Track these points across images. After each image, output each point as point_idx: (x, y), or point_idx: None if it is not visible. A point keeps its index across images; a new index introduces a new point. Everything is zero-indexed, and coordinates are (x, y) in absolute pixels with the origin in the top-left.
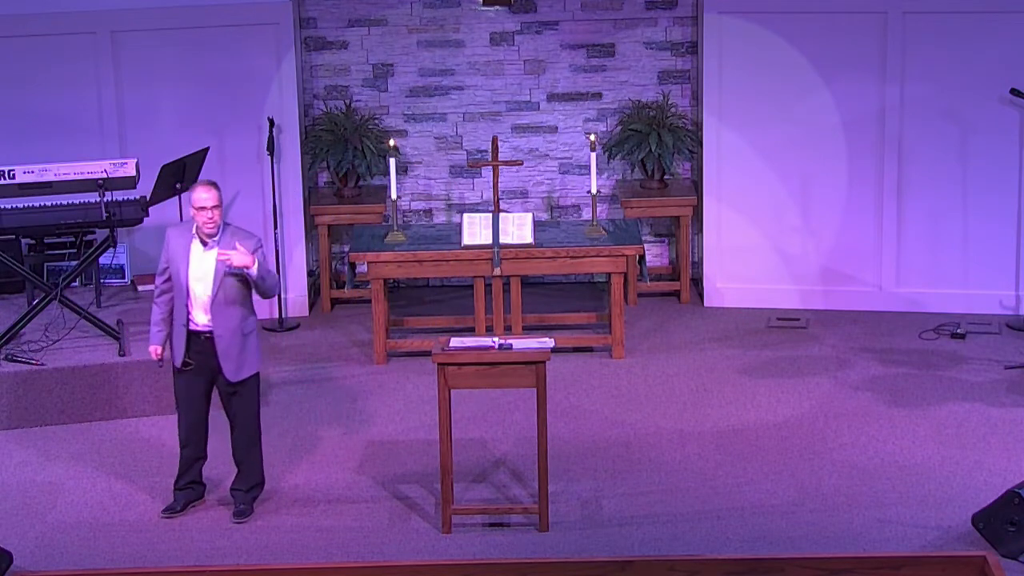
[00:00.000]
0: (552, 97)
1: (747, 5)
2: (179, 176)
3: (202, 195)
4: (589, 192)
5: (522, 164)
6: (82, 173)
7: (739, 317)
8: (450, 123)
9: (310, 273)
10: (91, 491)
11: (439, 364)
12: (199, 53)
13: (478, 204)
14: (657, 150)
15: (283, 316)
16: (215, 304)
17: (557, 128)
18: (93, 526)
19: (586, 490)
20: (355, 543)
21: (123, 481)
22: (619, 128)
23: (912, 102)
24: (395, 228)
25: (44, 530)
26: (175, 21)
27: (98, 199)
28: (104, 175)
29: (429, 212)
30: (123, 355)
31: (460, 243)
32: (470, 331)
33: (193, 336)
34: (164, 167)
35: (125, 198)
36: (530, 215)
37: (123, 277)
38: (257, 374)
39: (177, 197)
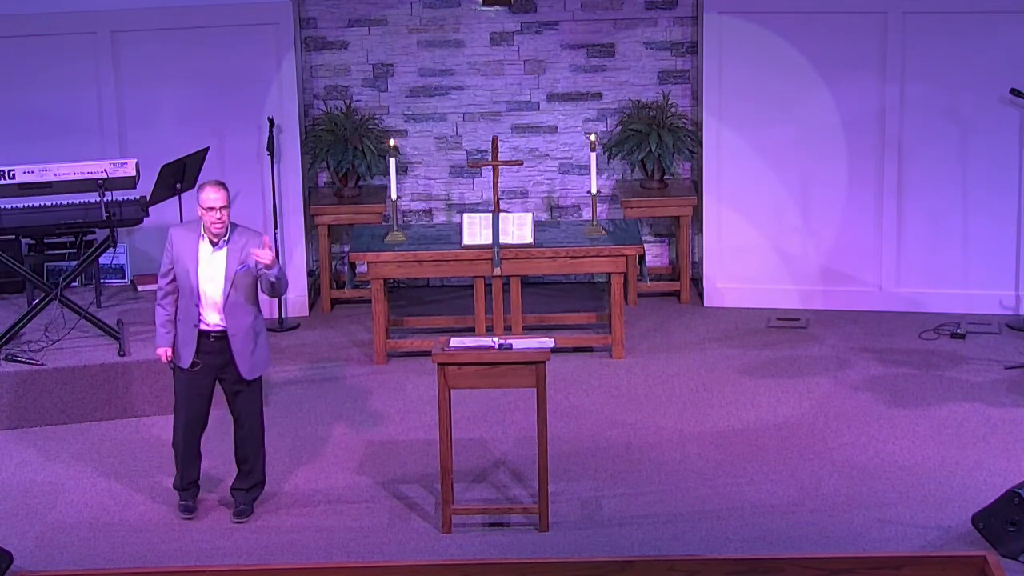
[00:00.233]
0: (552, 97)
1: (747, 5)
2: (179, 176)
3: (211, 195)
4: (589, 192)
5: (522, 164)
6: (82, 173)
7: (739, 317)
8: (450, 123)
9: (310, 273)
10: (91, 491)
11: (439, 364)
12: (199, 53)
13: (478, 204)
14: (657, 150)
15: (283, 316)
16: (228, 304)
17: (557, 128)
18: (93, 526)
19: (586, 490)
20: (355, 543)
21: (123, 481)
22: (619, 128)
23: (912, 102)
24: (395, 228)
25: (44, 530)
26: (175, 21)
27: (98, 199)
28: (104, 175)
29: (429, 212)
30: (123, 355)
31: (460, 243)
32: (470, 331)
33: (203, 336)
34: (164, 167)
35: (125, 198)
36: (530, 215)
37: (123, 277)
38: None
39: (177, 197)
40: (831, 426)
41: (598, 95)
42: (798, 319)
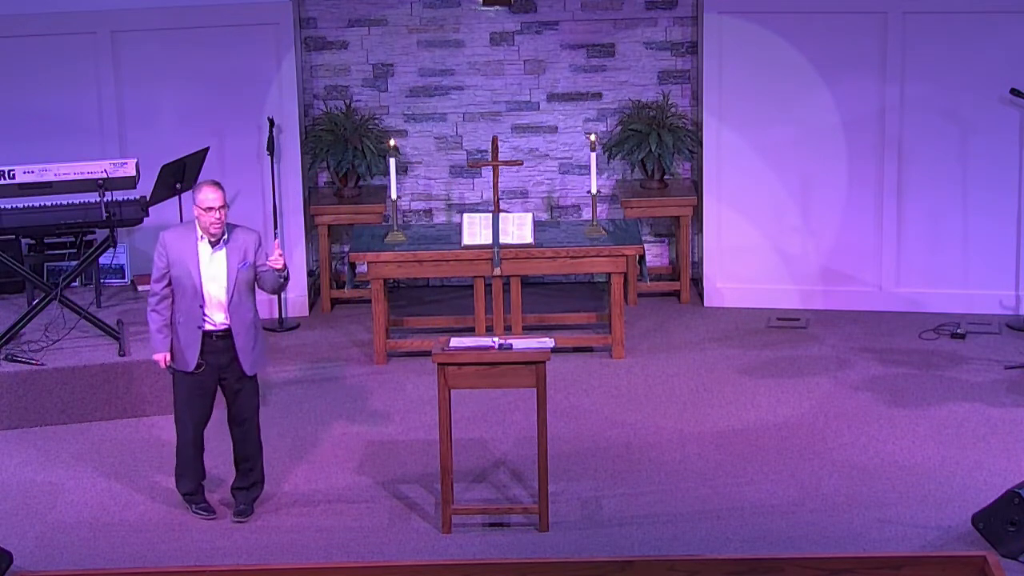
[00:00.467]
0: (552, 97)
1: (747, 5)
2: (179, 176)
3: (209, 195)
4: (589, 192)
5: (522, 164)
6: (82, 173)
7: (739, 317)
8: (450, 123)
9: (310, 273)
10: (91, 491)
11: (439, 364)
12: (199, 53)
13: (478, 204)
14: (657, 150)
15: (283, 316)
16: (232, 303)
17: (557, 128)
18: (93, 526)
19: (586, 490)
20: (355, 543)
21: (123, 481)
22: (619, 128)
23: (912, 102)
24: (395, 228)
25: (44, 530)
26: (175, 21)
27: (98, 199)
28: (104, 175)
29: (429, 212)
30: (123, 355)
31: (460, 243)
32: (470, 331)
33: (206, 337)
34: (164, 167)
35: (125, 198)
36: (530, 215)
37: (123, 277)
38: None
39: (177, 197)
40: (831, 426)
41: (598, 95)
42: (798, 319)
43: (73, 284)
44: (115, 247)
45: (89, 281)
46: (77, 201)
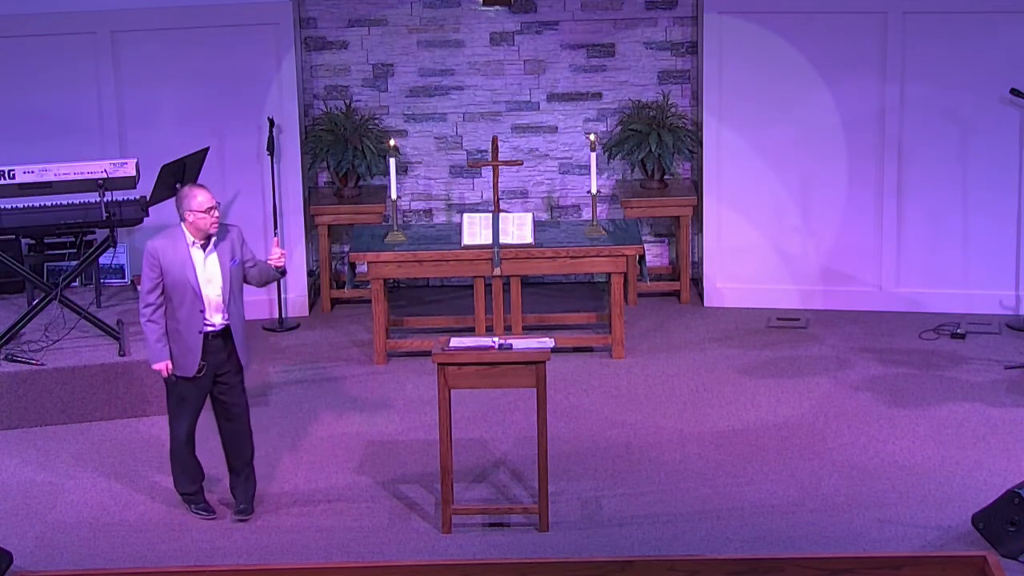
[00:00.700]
0: (552, 97)
1: (747, 5)
2: (179, 176)
3: (205, 197)
4: (589, 192)
5: (522, 164)
6: (82, 173)
7: (739, 317)
8: (450, 123)
9: (310, 273)
10: (91, 491)
11: (439, 364)
12: (199, 53)
13: (478, 204)
14: (657, 150)
15: (283, 316)
16: (229, 301)
17: (557, 128)
18: (93, 526)
19: (586, 490)
20: (355, 543)
21: (123, 481)
22: (619, 128)
23: (912, 102)
24: (395, 228)
25: (44, 530)
26: (175, 21)
27: (98, 199)
28: (104, 175)
29: (429, 212)
30: (123, 355)
31: (460, 243)
32: (470, 331)
33: (205, 338)
34: (164, 167)
35: (125, 198)
36: (530, 215)
37: (123, 277)
38: None
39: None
40: (831, 426)
41: (598, 95)
42: (798, 319)
43: (73, 284)
44: (115, 247)
45: (89, 281)
46: (77, 201)
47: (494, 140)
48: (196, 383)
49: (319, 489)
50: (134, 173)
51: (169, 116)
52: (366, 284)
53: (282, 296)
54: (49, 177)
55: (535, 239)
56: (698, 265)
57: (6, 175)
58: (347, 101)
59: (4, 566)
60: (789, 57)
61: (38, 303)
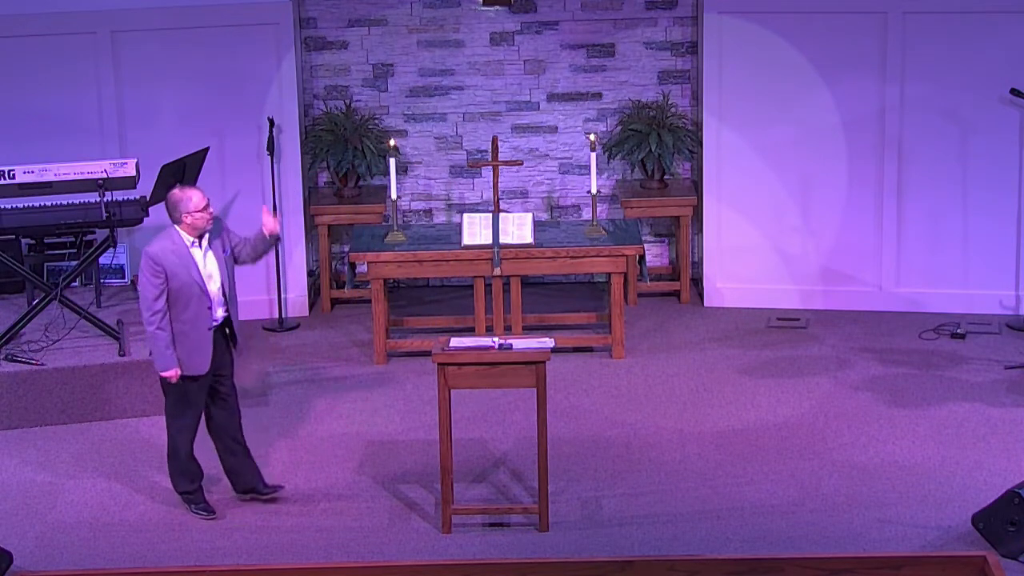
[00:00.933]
0: (552, 97)
1: (747, 5)
2: (179, 176)
3: (199, 196)
4: (589, 192)
5: (522, 164)
6: (82, 173)
7: (739, 317)
8: (450, 123)
9: (310, 273)
10: (91, 491)
11: (439, 364)
12: (199, 53)
13: (478, 204)
14: (657, 150)
15: (283, 316)
16: (227, 293)
17: (557, 128)
18: (93, 526)
19: (586, 490)
20: (355, 543)
21: (123, 481)
22: (619, 128)
23: (912, 102)
24: (395, 228)
25: (44, 530)
26: (175, 21)
27: (98, 199)
28: (104, 175)
29: (429, 212)
30: (123, 355)
31: (460, 243)
32: (470, 331)
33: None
34: (164, 167)
35: (125, 198)
36: (530, 215)
37: (123, 277)
38: None
39: None
40: (831, 426)
41: (598, 95)
42: (798, 319)
43: (73, 284)
44: (115, 247)
45: (89, 281)
46: (77, 201)
47: (494, 140)
48: (200, 381)
49: (319, 489)
50: (134, 173)
51: (169, 116)
52: (366, 284)
53: (282, 296)
54: (49, 177)
55: (535, 239)
56: (698, 265)
57: (6, 175)
58: (347, 101)
59: (4, 566)
60: (789, 57)
61: (38, 303)
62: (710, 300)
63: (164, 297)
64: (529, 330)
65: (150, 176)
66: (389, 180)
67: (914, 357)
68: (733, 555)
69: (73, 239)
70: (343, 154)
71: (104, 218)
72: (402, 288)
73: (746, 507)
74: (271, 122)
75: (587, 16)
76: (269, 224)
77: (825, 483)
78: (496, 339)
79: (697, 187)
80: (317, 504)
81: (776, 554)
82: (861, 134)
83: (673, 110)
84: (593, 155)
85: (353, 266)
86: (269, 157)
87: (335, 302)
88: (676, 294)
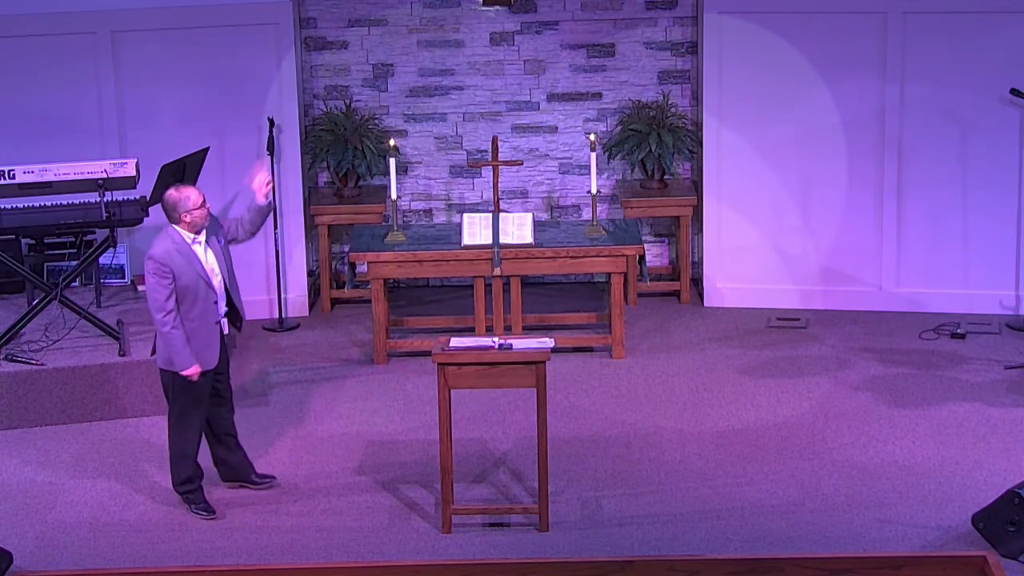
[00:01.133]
0: (552, 97)
1: (747, 5)
2: (179, 176)
3: (195, 194)
4: (589, 192)
5: (522, 164)
6: (82, 173)
7: (739, 317)
8: (450, 123)
9: (310, 273)
10: (91, 491)
11: (439, 364)
12: (199, 53)
13: (478, 204)
14: (657, 150)
15: (283, 316)
16: (228, 284)
17: (557, 128)
18: (93, 526)
19: (586, 490)
20: (355, 543)
21: (123, 481)
22: (619, 128)
23: (912, 102)
24: (395, 228)
25: (44, 530)
26: (175, 21)
27: (98, 199)
28: (104, 175)
29: (429, 212)
30: (123, 355)
31: (460, 243)
32: (470, 331)
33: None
34: (164, 167)
35: (125, 198)
36: (530, 215)
37: (123, 277)
38: None
39: None
40: (831, 426)
41: (598, 95)
42: (798, 319)
43: (73, 284)
44: (115, 247)
45: (89, 281)
46: (77, 201)
47: (494, 140)
48: (206, 377)
49: (319, 489)
50: (134, 173)
51: (169, 116)
52: (366, 284)
53: (282, 296)
54: (49, 177)
55: (535, 239)
56: (698, 265)
57: (6, 175)
58: (347, 101)
59: (4, 566)
60: (789, 57)
61: (38, 303)
62: (710, 300)
63: (174, 297)
64: (529, 330)
65: (150, 176)
66: (389, 180)
67: (914, 357)
68: (733, 555)
69: (73, 239)
70: (343, 154)
71: (104, 218)
72: (402, 288)
73: (746, 507)
74: (271, 122)
75: (587, 16)
76: (259, 187)
77: (825, 483)
78: (496, 339)
79: (697, 187)
80: (317, 504)
81: (776, 554)
82: (861, 134)
83: (673, 110)
84: (593, 155)
85: (353, 266)
86: (269, 157)
87: (335, 302)
88: (676, 294)
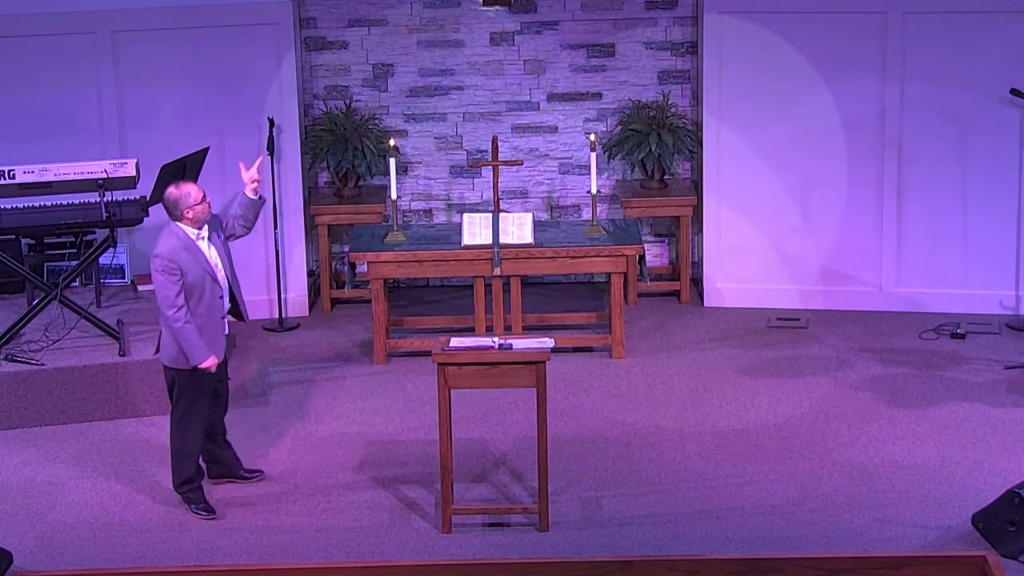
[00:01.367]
0: (552, 97)
1: (747, 5)
2: (179, 176)
3: (195, 189)
4: (589, 192)
5: (522, 164)
6: (82, 173)
7: (739, 317)
8: (450, 123)
9: (310, 273)
10: (91, 491)
11: (439, 364)
12: (199, 53)
13: (478, 204)
14: (657, 150)
15: (283, 316)
16: (231, 278)
17: (557, 128)
18: (93, 526)
19: (586, 490)
20: (355, 543)
21: (123, 481)
22: (619, 128)
23: (912, 102)
24: (395, 228)
25: (44, 530)
26: (175, 21)
27: (98, 199)
28: (104, 175)
29: (429, 212)
30: (123, 355)
31: (460, 243)
32: (470, 331)
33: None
34: (164, 167)
35: (125, 198)
36: (530, 215)
37: (123, 277)
38: None
39: None
40: (831, 426)
41: (598, 95)
42: (798, 319)
43: (73, 284)
44: (115, 247)
45: (89, 281)
46: (77, 201)
47: (494, 140)
48: (211, 374)
49: (319, 489)
50: (134, 173)
51: (169, 116)
52: (366, 284)
53: (282, 296)
54: (49, 177)
55: (535, 239)
56: (698, 265)
57: (6, 175)
58: (347, 101)
59: (4, 566)
60: (789, 57)
61: (38, 303)
62: (710, 300)
63: (183, 293)
64: (529, 330)
65: (150, 176)
66: (389, 180)
67: (914, 357)
68: (733, 555)
69: (73, 239)
70: (343, 154)
71: (104, 218)
72: (402, 288)
73: (746, 507)
74: (271, 122)
75: (587, 16)
76: (248, 181)
77: (825, 483)
78: (496, 339)
79: (697, 187)
80: (317, 504)
81: (776, 554)
82: (861, 134)
83: (673, 110)
84: (593, 155)
85: (353, 266)
86: (269, 157)
87: (335, 302)
88: (676, 294)
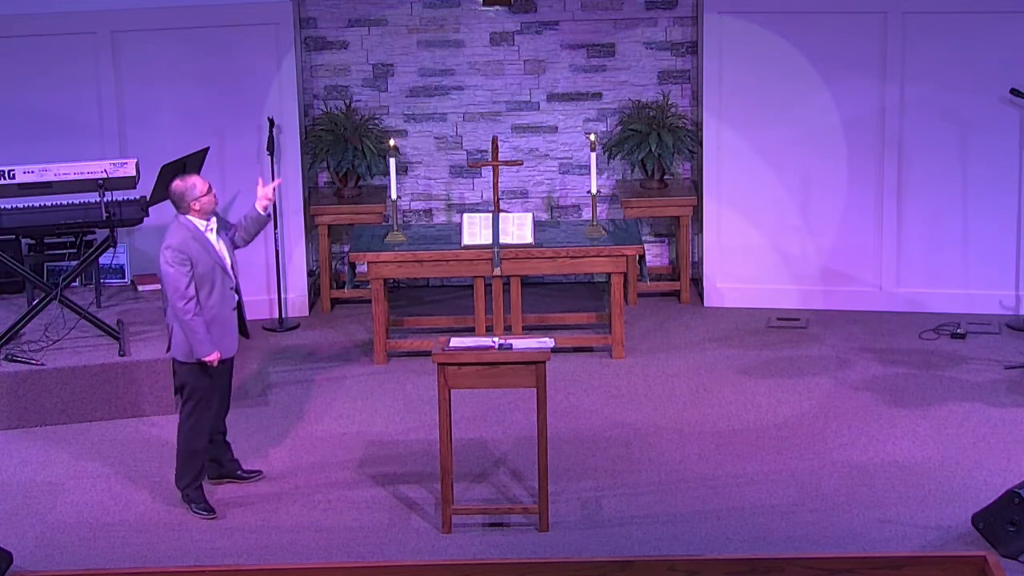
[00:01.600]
0: (552, 97)
1: (747, 5)
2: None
3: (200, 181)
4: (589, 192)
5: (522, 164)
6: (82, 173)
7: (739, 317)
8: (450, 123)
9: (310, 273)
10: (91, 491)
11: (439, 364)
12: (199, 53)
13: (478, 204)
14: (657, 150)
15: (283, 316)
16: (236, 272)
17: (557, 128)
18: (93, 526)
19: (586, 490)
20: (355, 543)
21: (123, 481)
22: (619, 128)
23: (912, 102)
24: (395, 228)
25: (44, 530)
26: (175, 21)
27: (98, 199)
28: (104, 175)
29: (429, 212)
30: (123, 355)
31: (460, 243)
32: (470, 331)
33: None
34: (164, 167)
35: (125, 198)
36: (530, 215)
37: (123, 277)
38: None
39: None
40: (831, 426)
41: (598, 95)
42: (798, 319)
43: (73, 284)
44: (115, 247)
45: (89, 281)
46: (77, 201)
47: (494, 140)
48: (221, 369)
49: (319, 489)
50: (134, 173)
51: (169, 116)
52: (366, 284)
53: (282, 296)
54: (49, 177)
55: (535, 239)
56: (698, 265)
57: (6, 175)
58: (347, 101)
59: (4, 566)
60: (789, 57)
61: (38, 303)
62: (710, 300)
63: (193, 284)
64: (529, 330)
65: (150, 176)
66: (389, 180)
67: (914, 357)
68: (733, 555)
69: (73, 239)
70: (343, 154)
71: (104, 218)
72: (402, 288)
73: (746, 507)
74: (271, 122)
75: (587, 16)
76: (261, 197)
77: (825, 483)
78: (496, 339)
79: (697, 187)
80: (317, 504)
81: (776, 554)
82: (861, 134)
83: (673, 110)
84: (593, 155)
85: (353, 266)
86: (269, 157)
87: (335, 302)
88: (676, 294)
